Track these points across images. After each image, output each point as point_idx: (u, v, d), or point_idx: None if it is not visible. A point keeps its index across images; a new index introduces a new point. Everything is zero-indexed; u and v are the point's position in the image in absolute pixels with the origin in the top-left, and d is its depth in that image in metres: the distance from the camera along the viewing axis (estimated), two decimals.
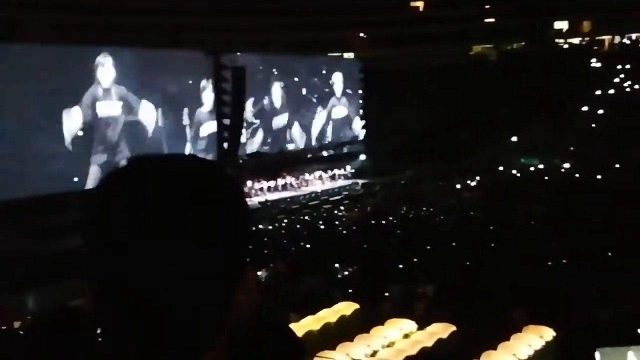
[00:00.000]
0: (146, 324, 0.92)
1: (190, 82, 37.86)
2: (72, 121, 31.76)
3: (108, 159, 32.51)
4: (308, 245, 23.75)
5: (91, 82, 32.83)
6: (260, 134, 43.83)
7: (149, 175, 0.95)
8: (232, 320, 0.99)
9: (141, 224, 0.91)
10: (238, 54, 38.27)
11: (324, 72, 49.26)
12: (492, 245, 22.01)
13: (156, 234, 0.90)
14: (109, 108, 33.81)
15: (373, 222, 28.86)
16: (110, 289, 0.93)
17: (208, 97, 38.79)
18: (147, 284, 0.91)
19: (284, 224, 30.99)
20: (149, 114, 35.36)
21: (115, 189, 0.95)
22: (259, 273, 20.30)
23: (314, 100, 48.21)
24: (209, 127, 39.18)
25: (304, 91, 47.48)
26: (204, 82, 38.53)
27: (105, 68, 33.48)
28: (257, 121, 43.24)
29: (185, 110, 37.57)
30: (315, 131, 48.14)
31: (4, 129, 28.06)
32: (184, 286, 0.92)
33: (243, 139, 41.24)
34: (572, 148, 45.18)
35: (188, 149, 37.56)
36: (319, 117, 48.54)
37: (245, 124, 40.41)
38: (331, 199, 39.83)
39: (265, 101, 44.11)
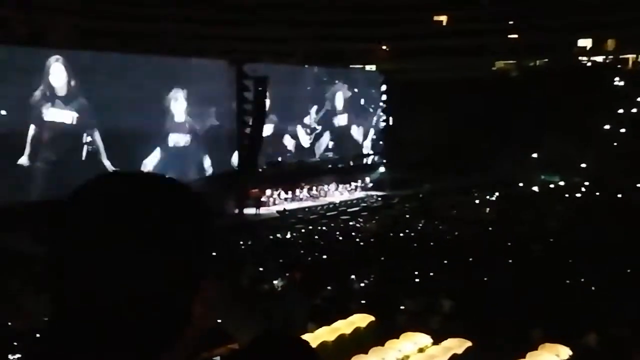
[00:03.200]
0: (99, 328, 0.97)
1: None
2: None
3: None
4: (325, 256, 23.70)
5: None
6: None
7: (109, 190, 1.02)
8: (190, 329, 1.04)
9: (97, 232, 0.97)
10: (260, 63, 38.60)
11: (350, 83, 50.11)
12: (510, 261, 21.92)
13: (108, 243, 0.96)
14: None
15: (390, 234, 28.82)
16: (68, 294, 0.98)
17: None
18: (99, 291, 0.96)
19: (301, 234, 31.05)
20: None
21: (77, 203, 1.01)
22: (275, 282, 20.35)
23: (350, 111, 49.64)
24: None
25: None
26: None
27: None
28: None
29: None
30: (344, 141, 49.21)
31: None
32: (134, 293, 0.96)
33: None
34: (593, 166, 44.96)
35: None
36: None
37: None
38: (349, 210, 39.84)
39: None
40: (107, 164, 32.00)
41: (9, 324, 13.01)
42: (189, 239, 1.02)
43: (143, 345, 0.98)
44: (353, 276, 20.23)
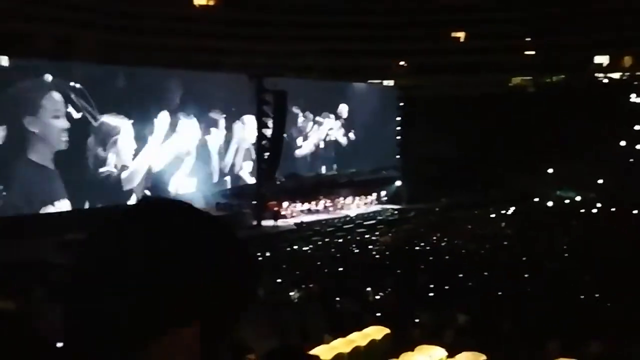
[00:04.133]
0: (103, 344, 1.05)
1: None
2: None
3: None
4: (341, 268, 23.80)
5: None
6: None
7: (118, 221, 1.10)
8: None
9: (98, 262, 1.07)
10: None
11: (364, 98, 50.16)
12: (525, 275, 21.95)
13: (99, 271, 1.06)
14: None
15: (406, 247, 28.88)
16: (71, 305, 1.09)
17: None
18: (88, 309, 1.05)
19: (318, 246, 31.18)
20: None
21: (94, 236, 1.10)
22: (291, 294, 20.49)
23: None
24: None
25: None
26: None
27: None
28: None
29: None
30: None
31: None
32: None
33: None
34: (608, 182, 44.85)
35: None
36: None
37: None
38: (365, 223, 39.90)
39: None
40: None
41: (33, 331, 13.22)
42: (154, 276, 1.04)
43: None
44: (369, 288, 20.29)
